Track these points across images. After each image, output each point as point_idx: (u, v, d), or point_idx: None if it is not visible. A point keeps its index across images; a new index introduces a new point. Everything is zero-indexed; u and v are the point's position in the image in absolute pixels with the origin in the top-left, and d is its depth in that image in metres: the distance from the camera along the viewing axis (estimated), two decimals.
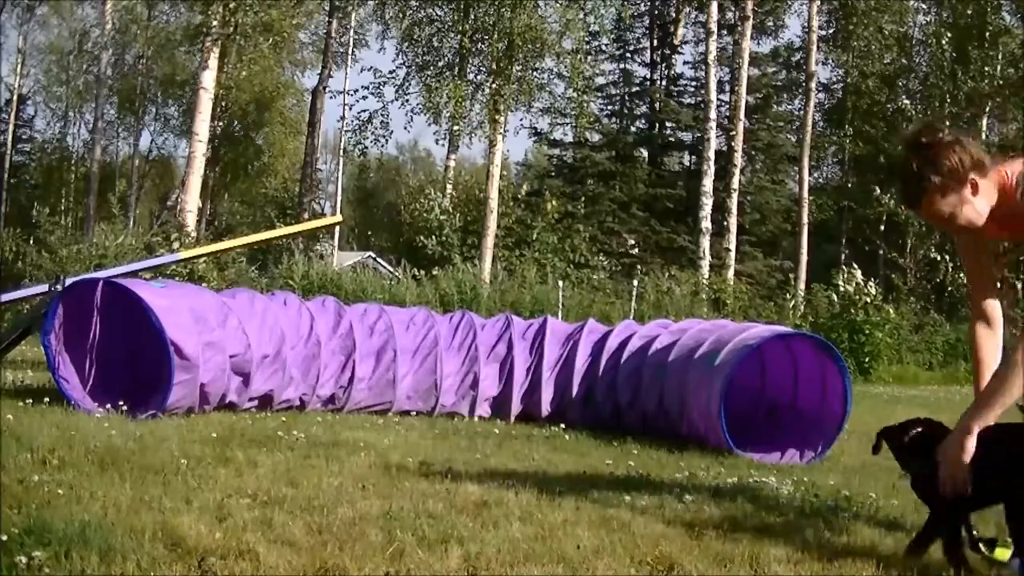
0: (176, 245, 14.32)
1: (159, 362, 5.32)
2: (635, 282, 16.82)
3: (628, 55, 29.30)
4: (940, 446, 2.95)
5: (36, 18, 33.78)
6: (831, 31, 28.49)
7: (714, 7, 22.89)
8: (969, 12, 24.95)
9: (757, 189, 26.94)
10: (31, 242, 16.23)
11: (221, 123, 30.51)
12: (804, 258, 23.72)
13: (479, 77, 20.04)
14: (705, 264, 21.59)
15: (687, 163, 29.34)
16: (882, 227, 26.19)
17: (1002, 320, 3.38)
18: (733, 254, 22.46)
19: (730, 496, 3.98)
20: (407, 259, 18.48)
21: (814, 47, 24.84)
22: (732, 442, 5.26)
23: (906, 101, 26.99)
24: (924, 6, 27.52)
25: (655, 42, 29.21)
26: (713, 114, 22.22)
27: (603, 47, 28.39)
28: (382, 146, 30.99)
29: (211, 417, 5.43)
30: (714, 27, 23.03)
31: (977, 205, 3.11)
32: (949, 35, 24.98)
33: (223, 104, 28.81)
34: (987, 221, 3.12)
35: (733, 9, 26.08)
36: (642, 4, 28.84)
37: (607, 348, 6.62)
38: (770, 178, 28.06)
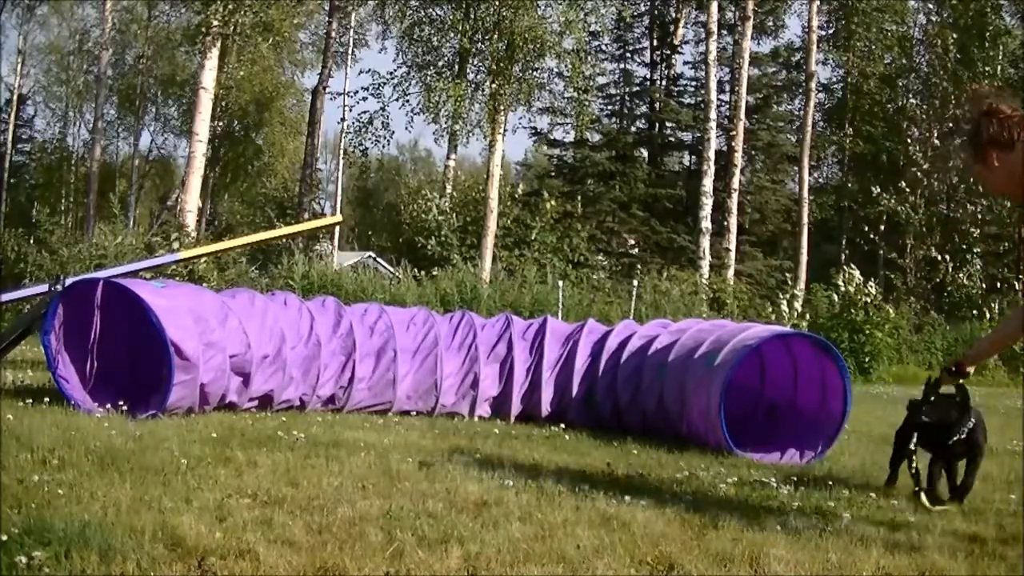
0: (176, 245, 14.31)
1: (159, 362, 5.32)
2: (635, 282, 16.82)
3: (628, 55, 29.32)
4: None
5: (36, 18, 33.79)
6: (831, 31, 28.50)
7: (714, 7, 22.89)
8: (970, 12, 24.96)
9: (757, 189, 26.94)
10: (31, 242, 16.23)
11: (221, 123, 30.51)
12: (804, 258, 23.71)
13: (479, 77, 20.04)
14: (705, 264, 21.58)
15: (687, 163, 29.35)
16: (882, 227, 26.22)
17: None
18: (733, 254, 22.45)
19: (730, 496, 3.99)
20: (407, 259, 18.47)
21: (814, 47, 24.84)
22: (732, 442, 5.26)
23: (912, 100, 27.00)
24: (928, 6, 27.52)
25: (655, 42, 29.22)
26: (713, 114, 22.21)
27: (603, 47, 28.42)
28: (383, 147, 30.98)
29: (211, 417, 5.43)
30: (714, 27, 23.03)
31: (997, 176, 3.40)
32: (954, 36, 24.98)
33: (223, 104, 28.81)
34: None
35: (733, 9, 26.08)
36: (642, 4, 28.86)
37: (607, 348, 6.62)
38: (770, 178, 28.06)
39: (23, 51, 34.60)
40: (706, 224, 21.76)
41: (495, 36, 18.85)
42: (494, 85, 19.12)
